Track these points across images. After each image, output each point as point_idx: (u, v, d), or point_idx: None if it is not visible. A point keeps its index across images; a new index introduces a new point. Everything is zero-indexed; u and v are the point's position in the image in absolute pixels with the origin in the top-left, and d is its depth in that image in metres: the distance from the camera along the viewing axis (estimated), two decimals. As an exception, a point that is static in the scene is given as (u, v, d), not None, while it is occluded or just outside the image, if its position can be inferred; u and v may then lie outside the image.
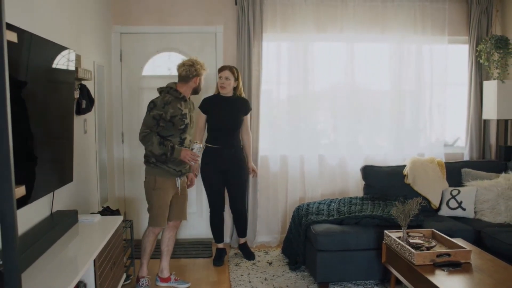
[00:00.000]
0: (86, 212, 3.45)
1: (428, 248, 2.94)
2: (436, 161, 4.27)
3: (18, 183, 1.32)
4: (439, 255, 2.81)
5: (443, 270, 2.71)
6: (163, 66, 4.66)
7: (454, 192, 4.01)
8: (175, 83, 3.42)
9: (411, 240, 3.05)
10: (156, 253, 3.83)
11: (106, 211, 3.56)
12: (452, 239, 3.05)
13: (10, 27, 1.37)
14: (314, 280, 3.59)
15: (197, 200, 4.69)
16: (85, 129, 3.55)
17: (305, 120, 4.59)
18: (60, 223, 2.67)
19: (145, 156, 3.40)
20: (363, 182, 4.30)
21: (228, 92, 3.97)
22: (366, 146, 4.70)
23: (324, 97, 4.69)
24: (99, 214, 3.18)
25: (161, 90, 3.38)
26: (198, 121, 4.01)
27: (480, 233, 3.57)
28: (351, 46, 4.59)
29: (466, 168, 4.25)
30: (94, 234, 2.78)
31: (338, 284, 3.56)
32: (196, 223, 4.69)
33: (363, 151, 4.68)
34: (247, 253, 4.19)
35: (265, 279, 3.69)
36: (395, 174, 4.22)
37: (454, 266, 2.76)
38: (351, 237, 3.44)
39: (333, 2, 4.54)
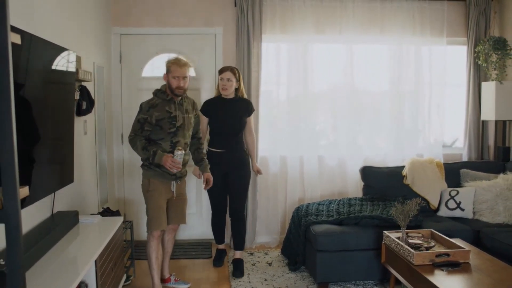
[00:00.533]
0: (86, 213, 3.45)
1: (427, 248, 2.95)
2: (435, 161, 4.29)
3: (21, 184, 1.33)
4: (438, 255, 2.82)
5: (442, 270, 2.73)
6: (162, 67, 4.62)
7: (453, 193, 4.03)
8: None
9: (410, 240, 3.07)
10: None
11: (106, 212, 3.57)
12: (451, 239, 3.07)
13: (14, 29, 1.37)
14: (314, 281, 3.60)
15: (197, 201, 4.70)
16: (85, 130, 3.56)
17: (304, 121, 4.60)
18: (61, 224, 2.68)
19: (142, 159, 3.33)
20: (362, 183, 4.32)
21: (230, 93, 3.86)
22: (366, 147, 4.72)
23: (324, 98, 4.71)
24: (99, 215, 3.19)
25: (153, 92, 3.32)
26: (202, 125, 3.85)
27: (479, 233, 3.59)
28: (350, 47, 4.61)
29: (464, 169, 4.27)
30: (95, 235, 2.79)
31: (337, 284, 3.57)
32: (196, 224, 4.70)
33: (362, 152, 4.70)
34: (237, 268, 3.82)
35: (265, 280, 3.70)
36: (394, 174, 4.23)
37: (453, 266, 2.77)
38: (351, 237, 3.45)
39: (332, 3, 4.56)
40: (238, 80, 3.89)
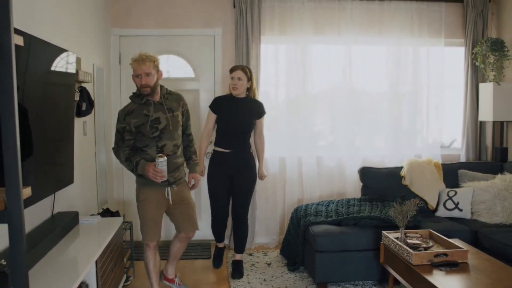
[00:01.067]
0: (86, 214, 3.46)
1: (425, 249, 2.97)
2: (433, 162, 4.31)
3: (24, 184, 1.34)
4: (437, 255, 2.84)
5: (441, 270, 2.75)
6: (161, 68, 4.66)
7: (451, 193, 4.05)
8: None
9: (409, 241, 3.09)
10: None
11: (106, 213, 3.58)
12: (450, 240, 3.08)
13: (16, 31, 1.39)
14: (313, 281, 3.62)
15: (195, 201, 4.69)
16: (84, 132, 3.57)
17: (303, 122, 4.62)
18: (62, 225, 2.69)
19: None
20: (361, 184, 4.34)
21: (240, 93, 3.72)
22: (364, 148, 4.74)
23: (322, 99, 4.72)
24: (99, 216, 3.20)
25: (129, 97, 3.09)
26: (208, 121, 3.79)
27: (476, 234, 3.61)
28: (349, 48, 4.63)
29: (462, 169, 4.29)
30: (95, 236, 2.80)
31: (336, 285, 3.58)
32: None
33: (360, 153, 4.72)
34: (236, 270, 3.80)
35: (264, 280, 3.71)
36: (393, 175, 4.25)
37: (452, 266, 2.79)
38: (350, 238, 3.47)
39: (331, 5, 4.58)
40: (250, 80, 3.75)
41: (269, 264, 4.08)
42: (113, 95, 4.56)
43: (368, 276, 3.54)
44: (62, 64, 2.64)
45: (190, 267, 4.05)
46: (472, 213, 3.97)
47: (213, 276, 3.86)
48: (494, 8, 4.74)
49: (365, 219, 3.60)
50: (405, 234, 3.16)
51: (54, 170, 2.63)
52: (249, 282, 3.66)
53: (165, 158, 2.84)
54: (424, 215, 3.85)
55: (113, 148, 3.07)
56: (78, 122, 3.31)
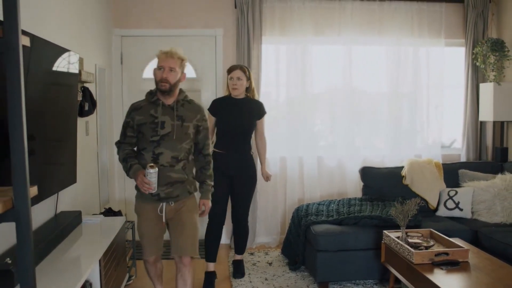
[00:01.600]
0: (88, 213, 3.48)
1: (426, 248, 2.99)
2: (434, 162, 4.32)
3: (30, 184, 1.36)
4: (438, 254, 2.85)
5: (442, 269, 2.76)
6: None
7: (452, 193, 4.07)
8: None
9: (410, 240, 3.10)
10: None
11: (108, 213, 3.60)
12: (450, 239, 3.10)
13: (23, 32, 1.40)
14: (314, 280, 3.64)
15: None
16: (87, 131, 3.59)
17: (303, 122, 4.64)
18: (65, 224, 2.71)
19: None
20: (362, 183, 4.35)
21: (240, 93, 3.63)
22: (364, 148, 4.75)
23: (322, 99, 4.74)
24: (102, 215, 3.22)
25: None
26: (209, 125, 3.53)
27: (477, 233, 3.63)
28: (349, 48, 4.65)
29: (463, 169, 4.31)
30: (98, 235, 2.82)
31: (337, 284, 3.60)
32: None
33: (361, 153, 4.73)
34: (237, 270, 3.80)
35: (266, 279, 3.73)
36: (393, 175, 4.27)
37: (452, 265, 2.80)
38: (350, 237, 3.49)
39: (331, 5, 4.59)
40: (248, 79, 3.67)
41: (270, 264, 4.10)
42: (114, 95, 4.58)
43: (369, 275, 3.55)
44: (65, 64, 2.65)
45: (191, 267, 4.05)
46: (472, 212, 3.99)
47: (215, 275, 3.87)
48: (494, 9, 4.76)
49: (366, 218, 3.62)
50: (406, 233, 3.18)
51: (58, 170, 2.65)
52: (250, 282, 3.68)
53: (156, 169, 2.52)
54: (424, 215, 3.86)
55: (116, 143, 2.81)
56: (80, 122, 3.33)
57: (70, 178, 2.83)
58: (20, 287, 1.20)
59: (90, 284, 2.39)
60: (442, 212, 4.05)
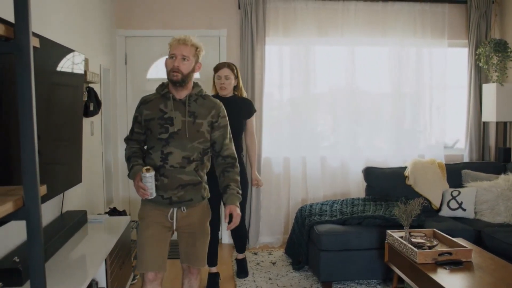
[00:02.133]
0: (93, 213, 3.50)
1: (430, 247, 3.00)
2: (437, 162, 4.33)
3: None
4: (441, 253, 2.87)
5: (445, 268, 2.77)
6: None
7: (455, 193, 4.08)
8: None
9: (413, 240, 3.11)
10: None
11: (113, 212, 3.62)
12: (453, 239, 3.11)
13: (32, 33, 1.43)
14: (318, 280, 3.65)
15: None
16: (92, 131, 3.61)
17: (306, 122, 4.66)
18: (71, 223, 2.73)
19: None
20: (365, 183, 4.37)
21: (228, 92, 3.50)
22: (367, 148, 4.77)
23: (325, 100, 4.76)
24: (107, 215, 3.24)
25: None
26: None
27: (480, 233, 3.64)
28: (352, 49, 4.66)
29: (466, 170, 4.32)
30: (104, 234, 2.84)
31: (341, 283, 3.62)
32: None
33: (364, 153, 4.75)
34: (241, 269, 3.82)
35: (269, 279, 3.74)
36: (396, 175, 4.28)
37: (456, 265, 2.81)
38: (354, 237, 3.50)
39: (334, 6, 4.61)
40: (236, 77, 3.54)
41: (274, 263, 4.11)
42: (119, 95, 4.60)
43: (372, 275, 3.57)
44: (71, 64, 2.68)
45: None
46: (475, 212, 4.00)
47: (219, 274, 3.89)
48: (497, 9, 4.76)
49: (369, 218, 3.63)
50: (409, 233, 3.19)
51: (63, 170, 2.67)
52: (254, 281, 3.70)
53: (153, 174, 2.25)
54: (427, 215, 3.88)
55: (124, 139, 2.54)
56: (85, 122, 3.35)
57: (75, 178, 2.85)
58: (30, 284, 1.22)
59: (97, 283, 2.41)
60: (445, 212, 4.06)
